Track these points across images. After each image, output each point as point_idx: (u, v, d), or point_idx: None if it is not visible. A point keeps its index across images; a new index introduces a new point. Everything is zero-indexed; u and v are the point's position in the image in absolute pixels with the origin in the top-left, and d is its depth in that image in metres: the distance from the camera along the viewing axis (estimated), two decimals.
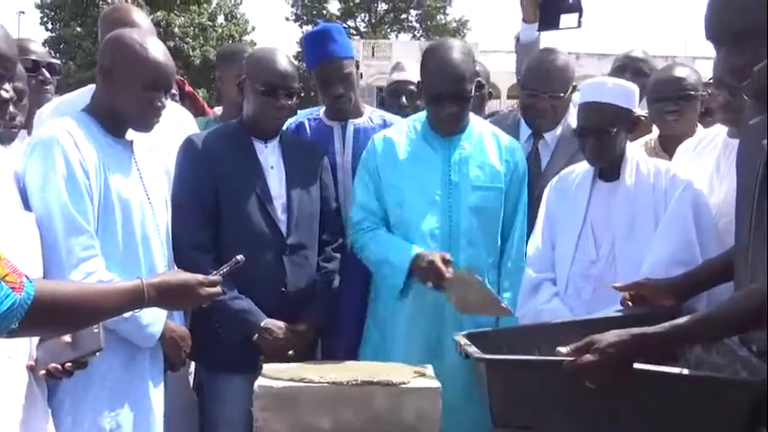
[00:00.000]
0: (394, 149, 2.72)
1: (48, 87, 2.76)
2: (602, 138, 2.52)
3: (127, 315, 1.94)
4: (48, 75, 2.75)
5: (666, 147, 3.01)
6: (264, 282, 2.60)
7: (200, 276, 1.91)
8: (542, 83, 3.00)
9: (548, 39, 3.48)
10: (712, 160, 2.57)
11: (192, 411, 2.77)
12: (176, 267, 2.40)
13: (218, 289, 1.96)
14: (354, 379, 2.12)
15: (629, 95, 2.55)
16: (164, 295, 1.79)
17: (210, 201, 2.60)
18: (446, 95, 2.63)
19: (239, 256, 2.05)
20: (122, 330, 2.18)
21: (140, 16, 2.92)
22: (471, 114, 2.80)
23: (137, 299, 1.73)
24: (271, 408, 2.08)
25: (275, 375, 2.15)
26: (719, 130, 2.61)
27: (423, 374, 2.20)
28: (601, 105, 2.50)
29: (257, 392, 2.10)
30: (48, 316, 1.55)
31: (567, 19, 3.26)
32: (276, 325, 2.58)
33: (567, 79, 3.03)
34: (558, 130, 3.06)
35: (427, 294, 2.58)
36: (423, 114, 2.82)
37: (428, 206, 2.66)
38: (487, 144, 2.78)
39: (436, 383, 2.14)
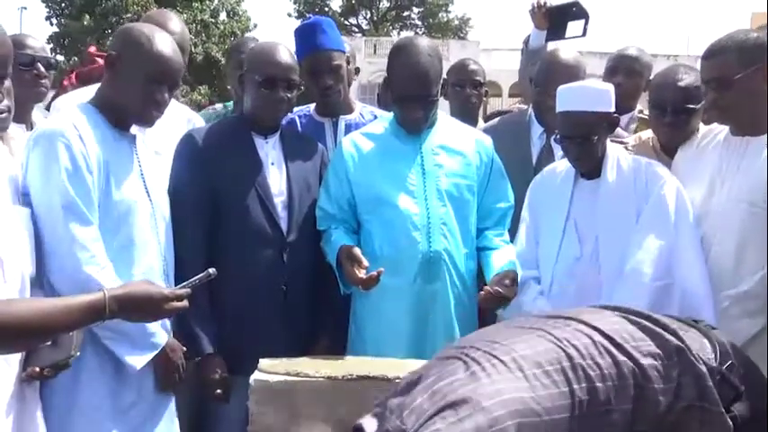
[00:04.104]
0: (365, 149, 2.70)
1: (43, 82, 2.78)
2: (584, 145, 2.54)
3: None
4: (42, 69, 2.76)
5: (667, 148, 2.91)
6: (264, 280, 2.58)
7: (165, 290, 1.87)
8: (556, 80, 2.99)
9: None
10: (714, 158, 2.56)
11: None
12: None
13: (183, 303, 1.90)
14: (350, 374, 2.13)
15: (604, 99, 2.56)
16: (125, 308, 1.77)
17: (208, 197, 2.57)
18: (412, 99, 2.62)
19: (211, 270, 1.99)
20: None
21: (175, 22, 3.01)
22: (440, 111, 2.78)
23: (96, 312, 1.71)
24: (266, 402, 2.09)
25: (271, 370, 2.16)
26: (721, 128, 2.59)
27: None
28: (578, 115, 2.52)
29: (253, 387, 2.11)
30: None
31: (572, 28, 3.34)
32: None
33: (579, 75, 3.06)
34: None
35: (406, 291, 2.59)
36: (390, 116, 2.81)
37: (405, 195, 2.64)
38: (458, 136, 2.77)
39: None
